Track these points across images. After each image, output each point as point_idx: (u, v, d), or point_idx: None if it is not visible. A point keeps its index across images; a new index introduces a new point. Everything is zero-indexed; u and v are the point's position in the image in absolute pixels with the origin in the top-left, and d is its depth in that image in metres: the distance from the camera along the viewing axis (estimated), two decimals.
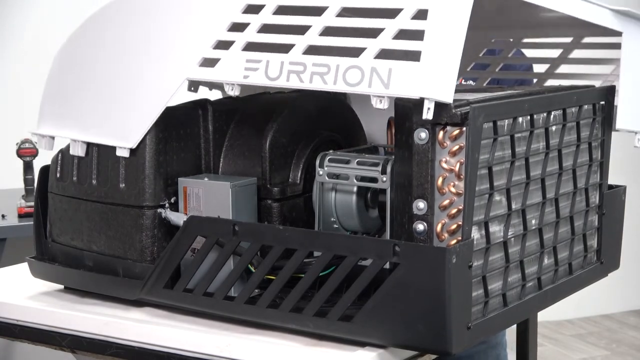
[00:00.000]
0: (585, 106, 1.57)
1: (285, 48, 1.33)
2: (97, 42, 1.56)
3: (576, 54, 1.82)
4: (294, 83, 1.31)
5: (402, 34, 1.25)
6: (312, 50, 1.31)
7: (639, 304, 4.34)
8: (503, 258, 1.41)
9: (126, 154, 1.48)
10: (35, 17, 3.57)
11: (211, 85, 1.84)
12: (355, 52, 1.27)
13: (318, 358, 1.32)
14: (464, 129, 1.26)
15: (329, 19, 1.31)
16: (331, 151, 1.50)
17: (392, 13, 1.26)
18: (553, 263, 1.54)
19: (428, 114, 1.22)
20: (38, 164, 1.84)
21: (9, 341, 1.73)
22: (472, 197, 1.29)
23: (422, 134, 1.28)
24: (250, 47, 1.36)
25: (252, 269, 1.41)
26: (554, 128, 1.49)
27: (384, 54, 1.25)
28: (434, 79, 1.21)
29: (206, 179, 1.50)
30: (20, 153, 3.00)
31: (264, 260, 1.37)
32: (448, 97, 1.24)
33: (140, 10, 1.50)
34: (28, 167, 3.01)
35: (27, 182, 3.01)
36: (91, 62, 1.56)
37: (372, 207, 1.48)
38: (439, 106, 1.25)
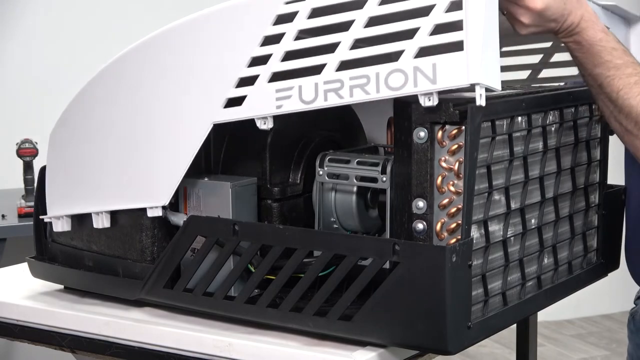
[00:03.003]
0: (582, 106, 1.57)
1: (315, 70, 1.30)
2: (108, 107, 1.50)
3: (558, 57, 1.81)
4: (333, 101, 1.29)
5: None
6: (344, 66, 1.28)
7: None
8: (503, 257, 1.41)
9: (159, 212, 1.45)
10: (35, 17, 3.57)
11: None
12: (391, 57, 1.25)
13: (318, 358, 1.32)
14: (463, 127, 1.26)
15: (358, 31, 1.28)
16: (331, 151, 1.50)
17: (423, 11, 1.24)
18: (553, 262, 1.54)
19: (481, 100, 1.21)
20: (38, 164, 1.84)
21: (9, 341, 1.73)
22: (471, 196, 1.29)
23: (421, 133, 1.28)
24: (277, 77, 1.33)
25: (252, 269, 1.41)
26: (551, 127, 1.50)
27: (422, 53, 1.24)
28: (482, 65, 1.20)
29: (206, 179, 1.50)
30: (20, 153, 3.00)
31: (264, 260, 1.37)
32: (496, 82, 1.23)
33: (151, 63, 1.45)
34: (28, 167, 3.01)
35: (27, 182, 3.01)
36: (98, 128, 1.51)
37: (372, 207, 1.48)
38: (438, 105, 1.25)
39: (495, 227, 1.38)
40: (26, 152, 3.00)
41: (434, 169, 1.28)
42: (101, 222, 1.52)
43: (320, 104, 1.30)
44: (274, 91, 1.33)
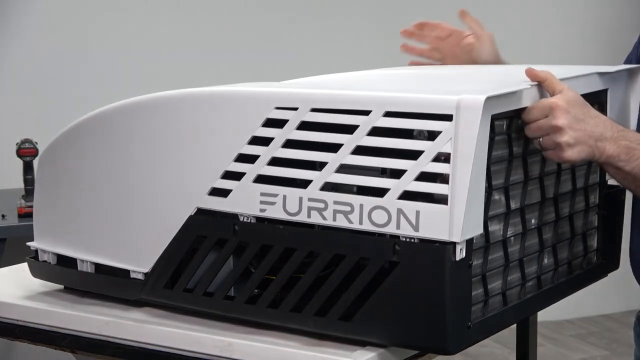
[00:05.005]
0: None
1: (301, 183, 1.30)
2: (97, 160, 1.50)
3: None
4: (316, 220, 1.30)
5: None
6: (329, 186, 1.29)
7: (639, 304, 4.34)
8: (503, 257, 1.41)
9: (141, 277, 1.47)
10: (36, 17, 3.57)
11: None
12: (376, 190, 1.26)
13: (318, 358, 1.32)
14: None
15: (345, 156, 1.28)
16: None
17: (411, 154, 1.24)
18: (553, 263, 1.54)
19: (461, 253, 1.23)
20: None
21: (9, 341, 1.73)
22: None
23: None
24: (263, 179, 1.34)
25: (252, 269, 1.41)
26: None
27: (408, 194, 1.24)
28: (464, 222, 1.21)
29: None
30: (20, 153, 3.00)
31: (264, 260, 1.37)
32: (478, 230, 1.26)
33: (144, 126, 1.45)
34: (28, 167, 3.01)
35: (27, 182, 3.01)
36: (92, 180, 1.51)
37: None
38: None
39: (495, 227, 1.38)
40: (26, 152, 3.00)
41: None
42: (86, 268, 1.54)
43: (303, 218, 1.31)
44: (259, 193, 1.34)
